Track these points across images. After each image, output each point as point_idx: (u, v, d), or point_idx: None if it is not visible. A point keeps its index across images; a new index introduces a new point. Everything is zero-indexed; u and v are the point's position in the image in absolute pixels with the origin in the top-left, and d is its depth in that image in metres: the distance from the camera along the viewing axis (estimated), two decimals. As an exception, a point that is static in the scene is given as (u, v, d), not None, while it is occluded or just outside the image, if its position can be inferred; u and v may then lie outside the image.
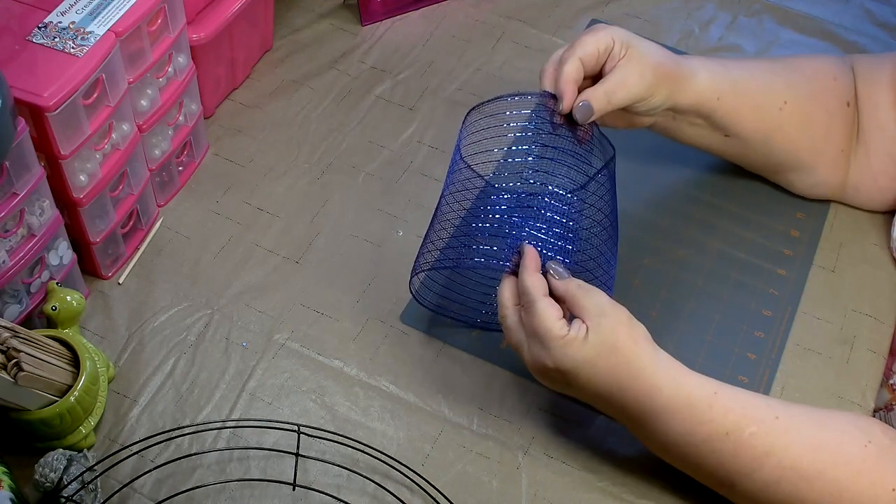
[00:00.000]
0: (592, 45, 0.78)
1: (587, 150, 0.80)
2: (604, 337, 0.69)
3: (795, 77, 0.89)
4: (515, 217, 0.76)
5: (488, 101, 0.80)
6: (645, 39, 0.82)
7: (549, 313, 0.69)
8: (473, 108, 0.79)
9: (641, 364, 0.70)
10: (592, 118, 0.78)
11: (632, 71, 0.79)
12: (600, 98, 0.78)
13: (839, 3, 1.13)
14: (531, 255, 0.72)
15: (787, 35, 1.09)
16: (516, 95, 0.80)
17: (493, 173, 0.86)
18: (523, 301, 0.71)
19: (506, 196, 0.77)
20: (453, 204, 0.79)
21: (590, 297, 0.70)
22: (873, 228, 0.93)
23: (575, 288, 0.71)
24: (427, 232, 0.80)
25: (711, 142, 0.89)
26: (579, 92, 0.79)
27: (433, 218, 0.80)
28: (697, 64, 0.85)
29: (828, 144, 0.90)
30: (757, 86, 0.87)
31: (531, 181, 0.79)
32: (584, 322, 0.69)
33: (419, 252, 0.80)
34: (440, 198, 0.80)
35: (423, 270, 0.80)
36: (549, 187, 0.78)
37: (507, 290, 0.73)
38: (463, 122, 0.80)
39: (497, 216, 0.76)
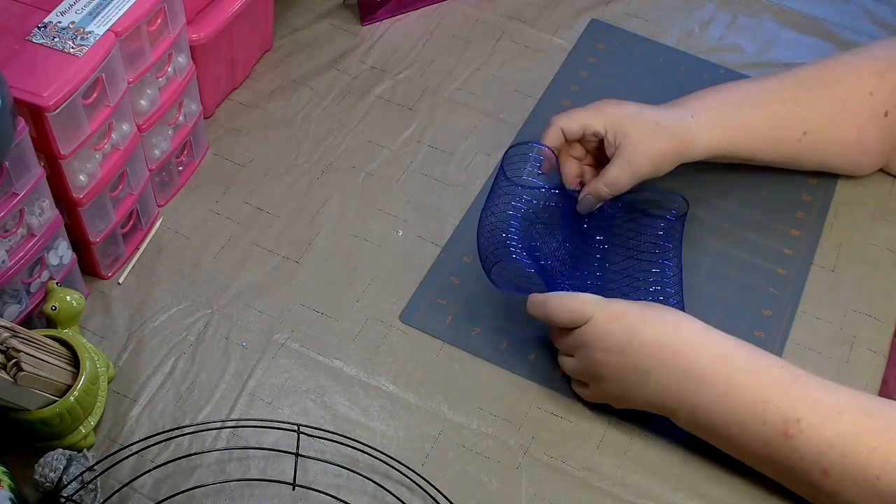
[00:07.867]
0: (577, 126, 0.85)
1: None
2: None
3: (819, 102, 0.89)
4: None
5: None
6: (642, 112, 0.85)
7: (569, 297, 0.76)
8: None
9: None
10: (596, 206, 0.86)
11: (630, 160, 0.84)
12: (602, 190, 0.85)
13: (839, 3, 1.13)
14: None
15: (787, 35, 1.09)
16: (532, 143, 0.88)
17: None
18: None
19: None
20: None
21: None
22: (873, 228, 0.93)
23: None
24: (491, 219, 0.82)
25: (737, 164, 0.93)
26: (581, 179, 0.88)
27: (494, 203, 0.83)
28: (701, 122, 0.86)
29: (862, 156, 0.92)
30: (771, 123, 0.88)
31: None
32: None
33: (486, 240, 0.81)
34: (498, 191, 0.83)
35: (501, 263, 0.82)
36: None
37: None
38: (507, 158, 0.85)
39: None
